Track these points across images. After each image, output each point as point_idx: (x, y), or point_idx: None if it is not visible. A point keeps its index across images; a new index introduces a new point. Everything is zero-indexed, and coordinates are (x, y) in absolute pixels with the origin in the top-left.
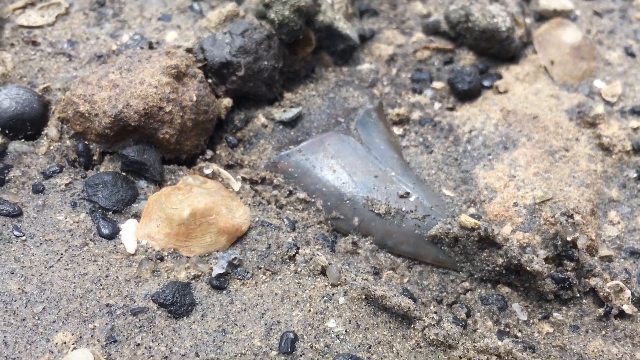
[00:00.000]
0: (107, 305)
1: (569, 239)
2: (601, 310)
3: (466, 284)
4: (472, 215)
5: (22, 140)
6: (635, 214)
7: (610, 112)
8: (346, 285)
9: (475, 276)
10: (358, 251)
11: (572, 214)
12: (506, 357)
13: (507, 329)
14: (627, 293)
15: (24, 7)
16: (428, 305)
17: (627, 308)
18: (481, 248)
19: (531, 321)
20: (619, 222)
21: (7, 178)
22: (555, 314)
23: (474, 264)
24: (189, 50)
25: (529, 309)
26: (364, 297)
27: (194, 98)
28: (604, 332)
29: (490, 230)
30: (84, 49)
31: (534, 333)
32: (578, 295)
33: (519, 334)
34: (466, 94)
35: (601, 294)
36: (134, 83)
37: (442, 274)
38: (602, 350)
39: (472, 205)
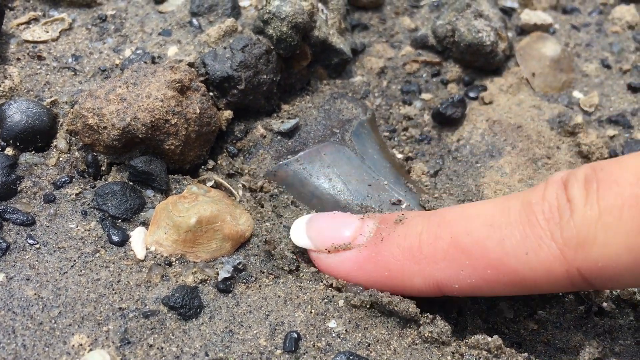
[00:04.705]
0: (120, 308)
1: None
2: (582, 308)
3: None
4: None
5: (33, 152)
6: None
7: (588, 122)
8: (350, 292)
9: None
10: None
11: None
12: (496, 352)
13: (495, 327)
14: (606, 292)
15: (28, 23)
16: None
17: (606, 306)
18: None
19: (517, 319)
20: None
21: (19, 189)
22: (539, 312)
23: None
24: (191, 65)
25: (515, 308)
26: (370, 305)
27: (198, 111)
28: (584, 328)
29: None
30: (88, 63)
31: (520, 330)
32: (561, 294)
33: (507, 331)
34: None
35: (582, 292)
36: (141, 97)
37: None
38: (583, 345)
39: None
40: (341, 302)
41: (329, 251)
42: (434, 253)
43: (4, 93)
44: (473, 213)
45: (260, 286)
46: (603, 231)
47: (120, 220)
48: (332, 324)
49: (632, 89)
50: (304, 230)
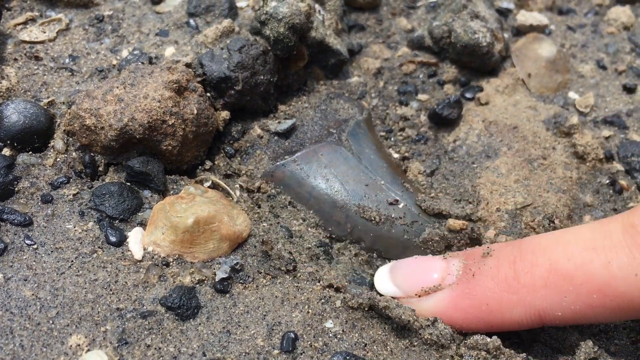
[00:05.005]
0: (118, 309)
1: None
2: None
3: None
4: (457, 217)
5: (30, 152)
6: None
7: (584, 122)
8: (348, 293)
9: None
10: (352, 256)
11: (554, 219)
12: (494, 353)
13: None
14: None
15: (25, 23)
16: None
17: None
18: None
19: None
20: None
21: (16, 189)
22: None
23: None
24: (188, 65)
25: None
26: (368, 307)
27: (195, 111)
28: (580, 328)
29: (476, 229)
30: (85, 64)
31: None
32: None
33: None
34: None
35: None
36: (138, 97)
37: None
38: (579, 344)
39: None
40: (338, 303)
41: (419, 295)
42: (533, 281)
43: (1, 94)
44: (570, 238)
45: (257, 286)
46: None
47: (117, 221)
48: (329, 324)
49: (628, 89)
50: (389, 279)
